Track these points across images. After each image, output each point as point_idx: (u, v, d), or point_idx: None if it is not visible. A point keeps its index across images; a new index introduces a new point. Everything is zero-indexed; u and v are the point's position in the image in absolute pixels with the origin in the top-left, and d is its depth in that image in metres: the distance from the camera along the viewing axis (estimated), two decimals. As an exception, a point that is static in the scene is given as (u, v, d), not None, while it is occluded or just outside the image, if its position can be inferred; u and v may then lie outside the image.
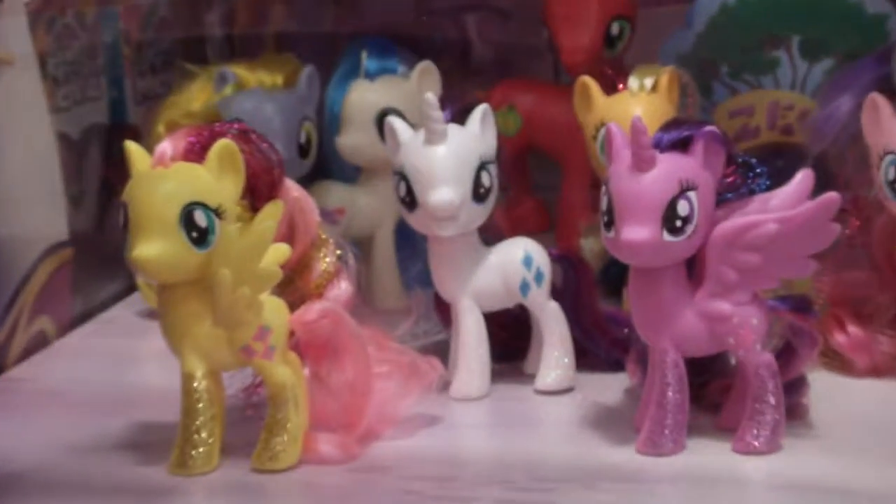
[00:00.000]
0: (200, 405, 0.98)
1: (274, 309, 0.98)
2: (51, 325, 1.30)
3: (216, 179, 0.95)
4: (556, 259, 1.13)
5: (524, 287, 1.10)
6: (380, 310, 1.28)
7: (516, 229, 1.16)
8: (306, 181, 1.26)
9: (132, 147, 0.96)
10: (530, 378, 1.13)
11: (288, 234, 0.99)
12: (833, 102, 1.13)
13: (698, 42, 1.30)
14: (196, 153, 0.96)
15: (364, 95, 1.26)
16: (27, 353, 1.25)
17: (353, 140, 1.26)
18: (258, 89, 1.27)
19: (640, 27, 1.29)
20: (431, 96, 1.07)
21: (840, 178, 1.13)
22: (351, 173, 1.30)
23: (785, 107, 1.29)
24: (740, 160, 0.99)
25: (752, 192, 0.98)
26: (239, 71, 1.27)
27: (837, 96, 1.13)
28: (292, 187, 1.01)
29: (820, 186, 1.06)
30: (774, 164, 1.04)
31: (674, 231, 0.95)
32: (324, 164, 1.30)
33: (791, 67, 1.29)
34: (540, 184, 1.49)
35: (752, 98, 1.30)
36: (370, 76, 1.28)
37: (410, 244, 1.29)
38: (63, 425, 1.09)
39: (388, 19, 1.45)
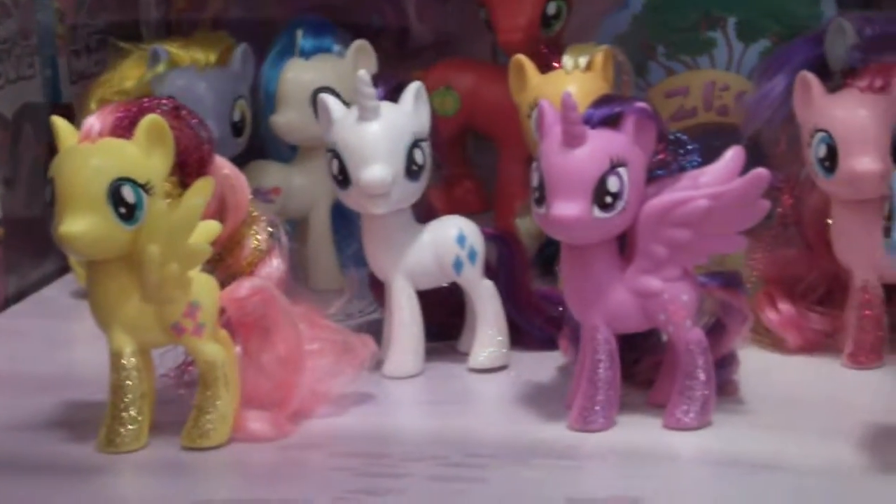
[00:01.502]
0: (129, 383, 0.97)
1: (204, 286, 0.98)
2: (-18, 304, 1.30)
3: (145, 155, 0.94)
4: (490, 238, 1.13)
5: (458, 265, 1.11)
6: (316, 289, 1.29)
7: (455, 209, 1.17)
8: (241, 160, 1.26)
9: (59, 122, 0.96)
10: (464, 356, 1.13)
11: (218, 211, 0.99)
12: (768, 83, 1.14)
13: (635, 22, 1.31)
14: (124, 129, 0.95)
15: (299, 74, 1.27)
16: (-41, 332, 1.25)
17: (288, 118, 1.26)
18: (191, 67, 1.27)
19: (577, 7, 1.30)
20: (364, 73, 1.07)
21: (774, 158, 1.14)
22: (287, 153, 1.30)
23: (721, 87, 1.31)
24: (671, 137, 1.00)
25: (682, 169, 0.99)
26: (172, 49, 1.27)
27: (772, 77, 1.14)
28: (223, 164, 1.01)
29: (754, 165, 1.07)
30: (710, 143, 1.05)
31: (604, 207, 0.95)
32: (259, 144, 1.31)
33: (727, 48, 1.31)
34: (479, 164, 1.50)
35: (688, 78, 1.32)
36: (305, 55, 1.28)
37: (347, 224, 1.29)
38: (-7, 404, 1.09)
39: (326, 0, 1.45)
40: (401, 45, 1.48)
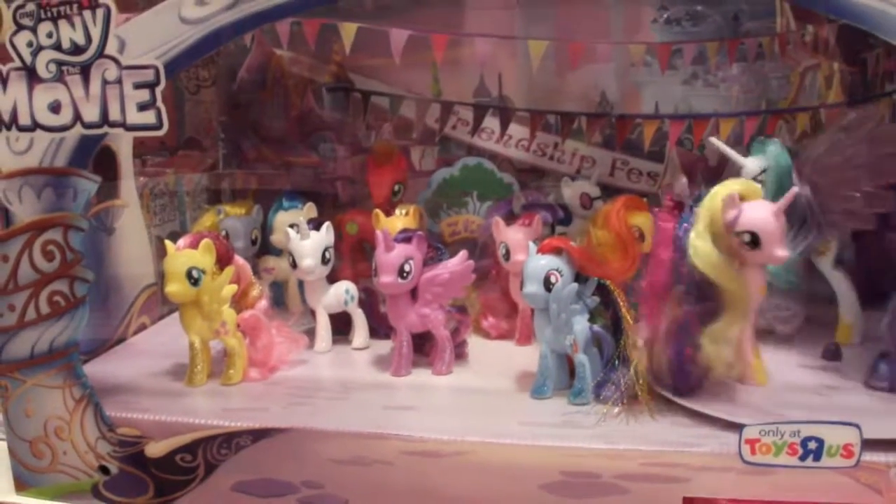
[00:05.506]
0: (198, 356, 1.00)
1: (228, 314, 1.01)
2: None
3: (202, 256, 0.98)
4: (361, 290, 1.13)
5: (346, 302, 1.11)
6: (291, 314, 1.24)
7: (360, 276, 1.15)
8: (257, 255, 1.26)
9: (169, 245, 0.98)
10: (350, 341, 1.10)
11: (236, 280, 1.02)
12: (488, 221, 1.19)
13: (433, 195, 1.32)
14: (194, 245, 0.99)
15: (283, 218, 1.24)
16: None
17: (274, 238, 1.25)
18: (234, 216, 1.26)
19: (408, 187, 1.29)
20: (303, 219, 1.09)
21: (489, 251, 1.17)
22: (277, 251, 1.27)
23: (472, 222, 1.32)
24: (436, 246, 1.03)
25: (440, 260, 1.03)
26: (226, 207, 1.27)
27: (490, 218, 1.19)
28: (238, 259, 1.03)
29: (483, 257, 1.12)
30: (467, 247, 1.09)
31: (403, 278, 1.00)
32: (265, 247, 1.28)
33: (474, 205, 1.32)
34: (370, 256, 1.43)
35: (458, 218, 1.32)
36: (286, 209, 1.26)
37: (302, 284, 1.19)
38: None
39: (299, 182, 1.43)
40: (335, 200, 1.45)
